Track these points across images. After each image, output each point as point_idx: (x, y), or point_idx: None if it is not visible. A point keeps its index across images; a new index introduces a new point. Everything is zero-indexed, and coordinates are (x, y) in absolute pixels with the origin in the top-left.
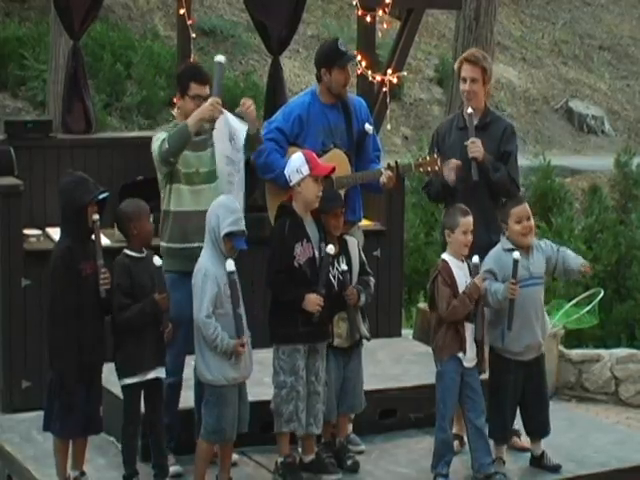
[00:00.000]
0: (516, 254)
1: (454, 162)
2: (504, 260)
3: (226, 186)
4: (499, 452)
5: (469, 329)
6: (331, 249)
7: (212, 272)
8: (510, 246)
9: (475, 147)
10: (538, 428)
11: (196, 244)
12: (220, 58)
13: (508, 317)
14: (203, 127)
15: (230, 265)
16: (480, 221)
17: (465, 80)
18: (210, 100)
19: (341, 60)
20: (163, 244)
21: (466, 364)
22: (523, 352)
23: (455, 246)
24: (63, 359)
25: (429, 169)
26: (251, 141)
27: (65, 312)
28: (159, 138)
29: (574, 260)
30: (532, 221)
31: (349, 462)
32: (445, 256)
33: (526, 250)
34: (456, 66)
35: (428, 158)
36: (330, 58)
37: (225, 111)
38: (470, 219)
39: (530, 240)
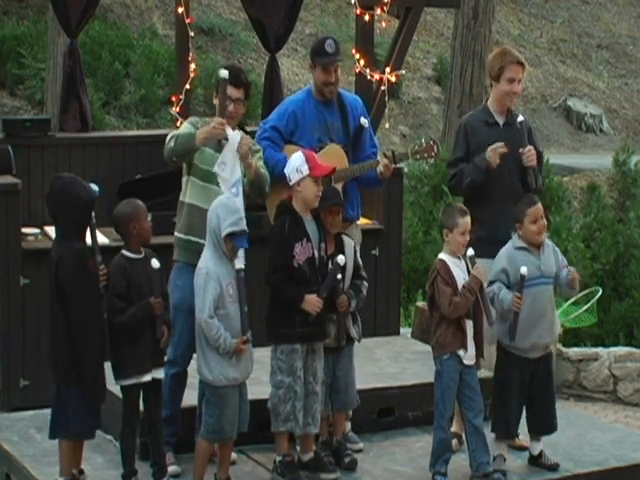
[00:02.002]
0: (523, 269)
1: (501, 148)
2: (517, 259)
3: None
4: (500, 448)
5: (469, 325)
6: (342, 260)
7: (214, 272)
8: (522, 244)
9: (532, 155)
10: (542, 426)
11: (201, 240)
12: (223, 73)
13: (512, 329)
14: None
15: (239, 263)
16: (512, 219)
17: (512, 81)
18: (214, 121)
19: (322, 60)
20: (176, 232)
21: (466, 362)
22: (529, 349)
23: (452, 246)
24: (99, 361)
25: (426, 155)
26: (252, 189)
27: (91, 313)
28: (173, 133)
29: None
30: (544, 221)
31: (347, 460)
32: (442, 256)
33: (538, 249)
34: (498, 65)
35: (425, 145)
36: (315, 54)
37: (229, 133)
38: (468, 220)
39: (543, 238)
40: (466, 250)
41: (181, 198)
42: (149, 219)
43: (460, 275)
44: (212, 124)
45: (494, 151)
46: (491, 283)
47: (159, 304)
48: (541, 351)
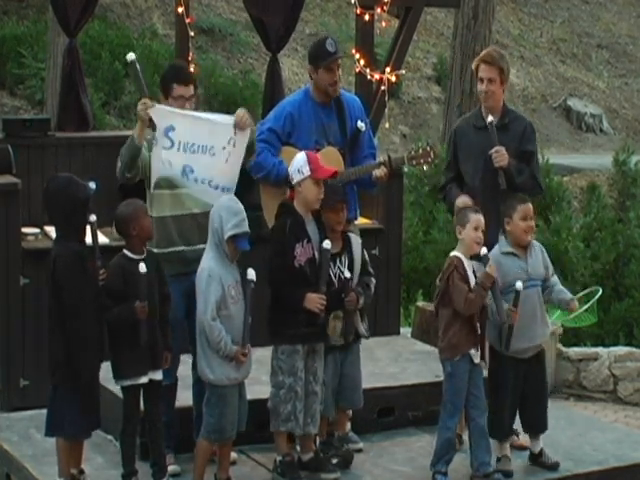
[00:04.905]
0: (519, 285)
1: (463, 201)
2: (504, 264)
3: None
4: (504, 450)
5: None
6: (328, 244)
7: (217, 273)
8: (508, 249)
9: (500, 156)
10: (535, 423)
11: (181, 247)
12: (130, 56)
13: (506, 340)
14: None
15: (251, 274)
16: (499, 220)
17: (482, 80)
18: (139, 105)
19: (326, 60)
20: (152, 249)
21: (476, 360)
22: (521, 351)
23: (466, 242)
24: (92, 361)
25: (422, 161)
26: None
27: (88, 314)
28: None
29: (564, 293)
30: (533, 222)
31: (344, 449)
32: (456, 253)
33: (524, 251)
34: (473, 66)
35: (421, 151)
36: (316, 57)
37: (158, 106)
38: (481, 217)
39: (530, 239)
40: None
41: (148, 213)
42: (149, 217)
43: (471, 274)
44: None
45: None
46: None
47: (143, 309)
48: (533, 351)
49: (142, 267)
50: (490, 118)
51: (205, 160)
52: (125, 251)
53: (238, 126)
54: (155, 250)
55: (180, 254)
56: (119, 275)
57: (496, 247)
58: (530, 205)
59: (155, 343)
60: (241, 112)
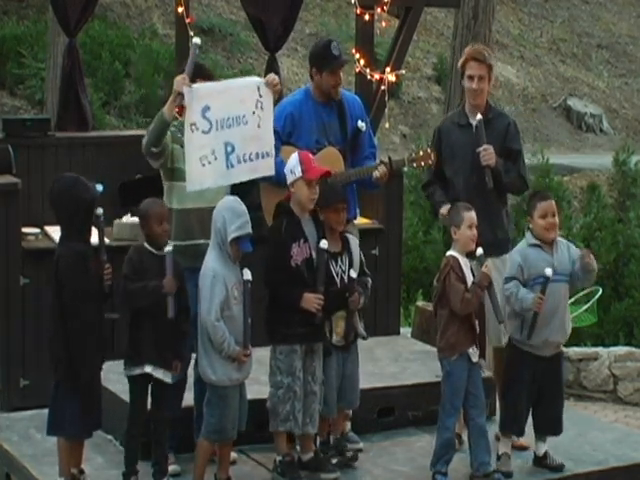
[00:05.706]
0: (548, 271)
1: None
2: (530, 256)
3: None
4: (505, 447)
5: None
6: (324, 244)
7: (221, 274)
8: (535, 241)
9: (488, 155)
10: (549, 426)
11: (201, 241)
12: (197, 40)
13: (530, 328)
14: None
15: (247, 274)
16: (485, 218)
17: (472, 78)
18: (178, 77)
19: (331, 65)
20: (169, 240)
21: (474, 359)
22: (541, 347)
23: (462, 241)
24: (92, 361)
25: (422, 163)
26: None
27: (89, 314)
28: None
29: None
30: (557, 218)
31: (349, 454)
32: (452, 253)
33: (550, 246)
34: (460, 63)
35: (421, 152)
36: (321, 60)
37: (196, 86)
38: (473, 214)
39: (553, 236)
40: (476, 249)
41: (167, 206)
42: (164, 225)
43: (468, 273)
44: (175, 80)
45: (444, 217)
46: (507, 280)
47: (170, 281)
48: (552, 349)
49: (167, 246)
50: (479, 116)
51: (240, 130)
52: (145, 244)
53: (268, 84)
54: (172, 242)
55: (197, 247)
56: (138, 262)
57: (523, 241)
58: (551, 202)
59: (167, 343)
60: (274, 74)
